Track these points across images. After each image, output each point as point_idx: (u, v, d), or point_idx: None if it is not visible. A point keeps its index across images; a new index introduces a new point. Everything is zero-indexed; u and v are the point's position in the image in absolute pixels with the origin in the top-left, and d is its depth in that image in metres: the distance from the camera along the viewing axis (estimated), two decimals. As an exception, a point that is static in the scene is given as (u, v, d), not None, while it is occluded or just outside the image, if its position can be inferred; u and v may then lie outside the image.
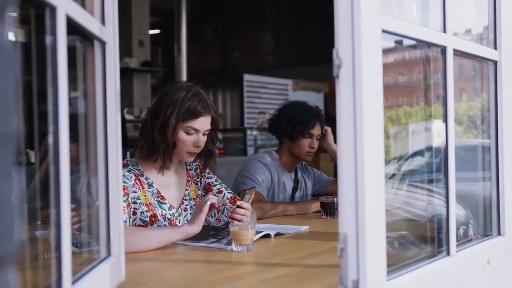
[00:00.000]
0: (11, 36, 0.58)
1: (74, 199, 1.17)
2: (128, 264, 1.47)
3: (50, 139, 1.00)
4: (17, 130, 0.58)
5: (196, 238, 2.03)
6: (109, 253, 1.37)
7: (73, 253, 1.08)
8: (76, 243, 1.35)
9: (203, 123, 2.19)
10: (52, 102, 0.99)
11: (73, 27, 1.11)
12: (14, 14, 0.60)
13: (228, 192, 2.37)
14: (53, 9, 0.98)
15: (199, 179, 2.39)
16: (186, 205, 2.31)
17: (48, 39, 1.01)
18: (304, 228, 2.35)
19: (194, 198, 2.34)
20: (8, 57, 0.56)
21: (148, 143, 2.18)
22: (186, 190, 2.33)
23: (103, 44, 1.34)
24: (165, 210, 2.20)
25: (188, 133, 2.17)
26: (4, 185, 0.55)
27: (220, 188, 2.38)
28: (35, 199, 1.54)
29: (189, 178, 2.36)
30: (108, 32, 1.36)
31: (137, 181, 2.17)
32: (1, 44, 0.55)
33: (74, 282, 1.09)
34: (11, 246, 0.56)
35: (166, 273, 1.68)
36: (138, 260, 1.78)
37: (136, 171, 2.19)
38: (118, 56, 1.40)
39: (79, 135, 1.34)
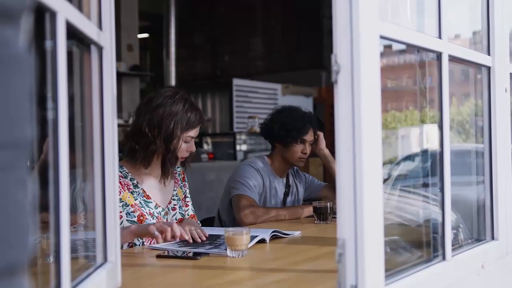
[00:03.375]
0: (26, 43, 0.58)
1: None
2: (124, 270, 1.46)
3: (50, 144, 0.99)
4: (31, 136, 0.58)
5: (193, 245, 2.02)
6: (105, 259, 1.36)
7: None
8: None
9: (198, 130, 2.34)
10: (52, 107, 0.99)
11: (71, 32, 1.10)
12: (29, 20, 0.60)
13: (191, 209, 2.50)
14: (53, 14, 0.97)
15: (183, 184, 2.51)
16: (175, 205, 2.40)
17: (47, 44, 1.00)
18: (297, 233, 2.35)
19: (182, 199, 2.45)
20: (24, 65, 0.56)
21: (151, 153, 2.25)
22: (174, 190, 2.42)
23: (100, 48, 1.33)
24: (152, 208, 2.27)
25: (185, 142, 2.29)
26: (20, 192, 0.55)
27: (188, 201, 2.52)
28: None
29: (176, 180, 2.46)
30: (105, 37, 1.35)
31: (119, 184, 2.19)
32: (17, 51, 0.55)
33: (72, 288, 1.08)
34: (25, 253, 0.56)
35: (162, 279, 1.67)
36: (134, 266, 1.77)
37: (119, 173, 2.21)
38: (114, 61, 1.40)
39: (75, 139, 1.33)
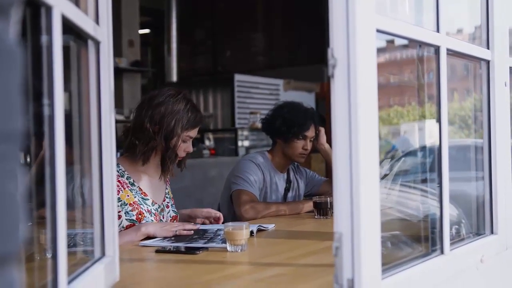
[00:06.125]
0: (16, 35, 0.58)
1: (67, 200, 1.16)
2: (122, 264, 1.47)
3: (46, 140, 0.99)
4: (21, 129, 0.58)
5: (187, 240, 2.02)
6: (103, 254, 1.36)
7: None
8: (68, 243, 1.35)
9: (196, 131, 2.37)
10: (48, 103, 0.99)
11: (68, 26, 1.10)
12: (19, 13, 0.60)
13: (172, 210, 2.47)
14: (48, 9, 0.97)
15: (169, 184, 2.54)
16: (168, 202, 2.44)
17: (43, 39, 1.00)
18: (271, 226, 2.37)
19: (172, 198, 2.49)
20: (14, 58, 0.56)
21: (150, 149, 2.27)
22: (166, 189, 2.46)
23: (97, 43, 1.33)
24: (149, 206, 2.30)
25: (184, 141, 2.32)
26: (10, 183, 0.56)
27: (172, 203, 2.51)
28: (27, 200, 1.53)
29: (167, 180, 2.49)
30: (102, 31, 1.35)
31: (118, 182, 2.22)
32: (7, 44, 0.55)
33: (69, 282, 1.08)
34: (16, 244, 0.56)
35: (160, 273, 1.68)
36: (132, 260, 1.77)
37: (116, 172, 2.23)
38: (112, 56, 1.40)
39: (73, 135, 1.33)
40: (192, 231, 2.16)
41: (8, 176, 0.55)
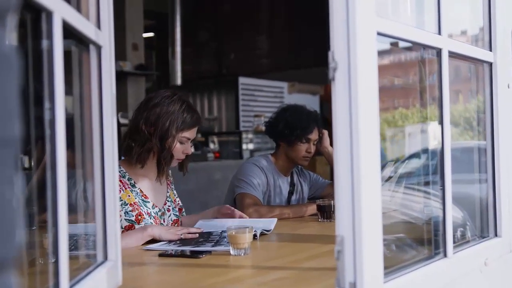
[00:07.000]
0: (12, 41, 0.58)
1: (70, 204, 1.17)
2: (125, 268, 1.47)
3: (47, 144, 1.00)
4: (19, 134, 0.58)
5: (191, 244, 2.02)
6: (106, 258, 1.36)
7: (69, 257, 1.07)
8: (71, 247, 1.35)
9: (195, 132, 2.36)
10: (49, 107, 0.99)
11: (69, 31, 1.11)
12: (15, 19, 0.60)
13: (174, 214, 2.46)
14: (49, 14, 0.98)
15: (173, 186, 2.54)
16: (169, 206, 2.44)
17: (44, 43, 1.01)
18: (273, 221, 2.38)
19: (173, 201, 2.48)
20: (10, 63, 0.56)
21: (146, 151, 2.27)
22: (167, 192, 2.46)
23: (98, 48, 1.34)
24: (149, 208, 2.31)
25: (181, 143, 2.31)
26: (7, 189, 0.56)
27: (173, 206, 2.49)
28: (31, 204, 1.54)
29: (168, 183, 2.49)
30: (104, 36, 1.35)
31: (119, 182, 2.23)
32: (3, 50, 0.56)
33: (71, 286, 1.09)
34: (12, 250, 0.56)
35: (163, 277, 1.68)
36: (135, 264, 1.77)
37: (117, 173, 2.25)
38: (113, 60, 1.40)
39: (75, 140, 1.34)
40: (197, 235, 2.15)
41: (6, 181, 0.55)
